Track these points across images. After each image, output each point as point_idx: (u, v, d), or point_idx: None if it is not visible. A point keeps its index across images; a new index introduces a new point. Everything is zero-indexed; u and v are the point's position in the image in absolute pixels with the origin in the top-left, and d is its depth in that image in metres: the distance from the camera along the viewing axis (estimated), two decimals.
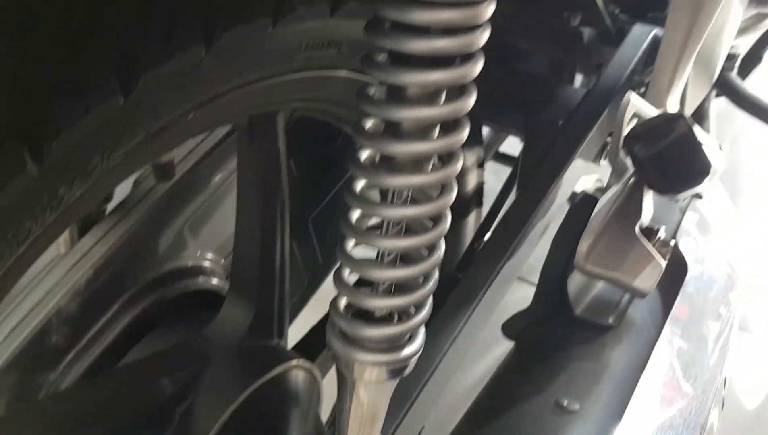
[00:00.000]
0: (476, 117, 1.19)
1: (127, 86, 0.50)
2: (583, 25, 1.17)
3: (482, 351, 1.15)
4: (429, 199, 0.62)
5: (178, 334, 0.92)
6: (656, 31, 1.21)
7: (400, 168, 0.59)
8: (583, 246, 0.82)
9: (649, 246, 0.85)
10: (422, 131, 0.58)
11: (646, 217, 0.89)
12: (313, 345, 1.00)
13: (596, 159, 1.20)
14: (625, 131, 0.86)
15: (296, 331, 1.15)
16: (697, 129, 0.82)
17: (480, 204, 1.19)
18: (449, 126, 0.60)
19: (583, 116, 1.13)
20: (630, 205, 0.85)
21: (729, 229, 1.14)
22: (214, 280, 1.02)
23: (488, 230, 1.09)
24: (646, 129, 0.82)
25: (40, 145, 0.46)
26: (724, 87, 1.39)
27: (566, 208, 1.18)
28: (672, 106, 0.89)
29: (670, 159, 0.80)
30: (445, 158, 0.61)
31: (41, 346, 0.84)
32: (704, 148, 0.80)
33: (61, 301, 0.86)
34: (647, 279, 0.85)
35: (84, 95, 0.48)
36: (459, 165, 0.62)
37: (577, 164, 1.11)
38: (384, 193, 0.62)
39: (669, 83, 0.87)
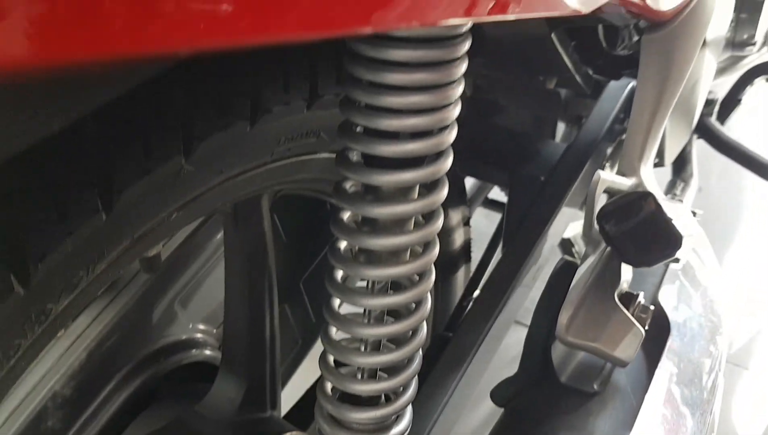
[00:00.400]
0: (460, 174, 1.21)
1: (108, 204, 0.51)
2: (559, 87, 1.20)
3: (474, 406, 1.15)
4: (409, 285, 0.64)
5: (174, 410, 0.93)
6: (633, 83, 1.23)
7: (378, 259, 0.61)
8: (563, 317, 0.84)
9: (628, 314, 0.87)
10: (398, 224, 0.60)
11: (625, 283, 0.90)
12: (306, 411, 1.01)
13: (582, 206, 1.21)
14: (597, 209, 0.88)
15: (293, 385, 1.16)
16: (665, 204, 0.84)
17: (468, 260, 1.20)
18: (424, 216, 0.62)
19: (564, 171, 1.15)
20: (607, 274, 0.87)
21: (714, 278, 1.16)
22: (207, 351, 1.03)
23: (477, 288, 1.11)
24: (616, 207, 0.84)
25: (26, 269, 0.48)
26: (703, 132, 1.42)
27: (557, 254, 1.19)
28: (646, 175, 0.91)
29: (642, 235, 0.82)
30: (423, 246, 0.63)
31: (37, 432, 0.85)
32: (674, 222, 0.82)
33: (56, 385, 0.87)
34: (628, 348, 0.86)
35: (66, 218, 0.49)
36: (436, 252, 0.63)
37: (564, 212, 1.13)
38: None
39: (641, 152, 0.90)
